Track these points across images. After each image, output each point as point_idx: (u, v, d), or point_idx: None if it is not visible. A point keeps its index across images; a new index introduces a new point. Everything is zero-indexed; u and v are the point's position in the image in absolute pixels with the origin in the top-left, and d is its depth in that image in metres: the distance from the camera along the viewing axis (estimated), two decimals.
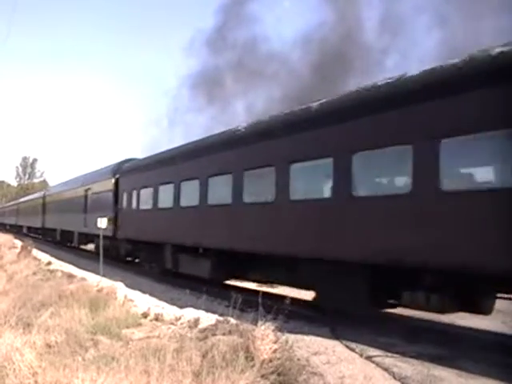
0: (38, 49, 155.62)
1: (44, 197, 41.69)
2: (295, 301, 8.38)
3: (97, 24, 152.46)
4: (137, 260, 21.61)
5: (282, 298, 8.70)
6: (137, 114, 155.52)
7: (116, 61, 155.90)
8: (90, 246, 28.12)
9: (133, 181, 20.28)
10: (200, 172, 14.53)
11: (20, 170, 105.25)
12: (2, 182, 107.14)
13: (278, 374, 6.22)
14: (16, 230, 56.57)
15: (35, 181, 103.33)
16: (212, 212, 13.77)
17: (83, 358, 6.93)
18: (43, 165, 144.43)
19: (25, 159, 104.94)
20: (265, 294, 9.35)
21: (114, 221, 21.18)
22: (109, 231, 20.79)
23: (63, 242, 34.69)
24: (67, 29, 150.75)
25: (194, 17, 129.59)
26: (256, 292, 11.68)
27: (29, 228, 51.58)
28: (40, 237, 43.90)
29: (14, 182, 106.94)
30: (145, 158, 20.82)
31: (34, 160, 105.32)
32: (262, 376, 6.17)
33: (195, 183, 14.65)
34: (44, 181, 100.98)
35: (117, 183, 22.04)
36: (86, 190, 26.74)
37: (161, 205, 17.40)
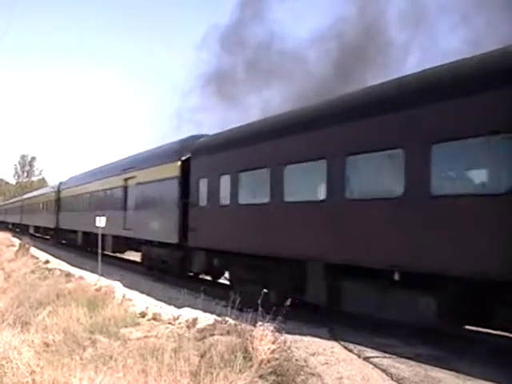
0: (37, 46, 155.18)
1: (58, 191, 34.00)
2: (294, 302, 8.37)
3: (97, 19, 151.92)
4: (212, 278, 15.82)
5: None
6: (139, 111, 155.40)
7: (118, 57, 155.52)
8: (127, 255, 23.76)
9: (222, 161, 13.24)
10: (409, 135, 8.00)
11: (18, 168, 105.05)
12: (1, 180, 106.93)
13: (276, 375, 6.24)
14: (20, 230, 50.39)
15: (33, 179, 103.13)
16: (445, 209, 7.43)
17: (81, 357, 6.95)
18: (42, 163, 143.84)
19: (23, 157, 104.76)
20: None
21: (179, 221, 14.90)
22: (170, 236, 15.30)
23: (87, 248, 26.51)
24: (66, 24, 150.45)
25: (205, 13, 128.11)
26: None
27: (36, 228, 44.10)
28: (52, 239, 37.16)
29: (12, 180, 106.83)
30: (250, 124, 13.21)
31: (33, 158, 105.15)
32: (260, 376, 6.19)
33: (394, 157, 8.33)
34: (43, 179, 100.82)
35: (185, 167, 15.12)
36: (126, 180, 20.23)
37: (292, 197, 10.54)
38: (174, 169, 15.74)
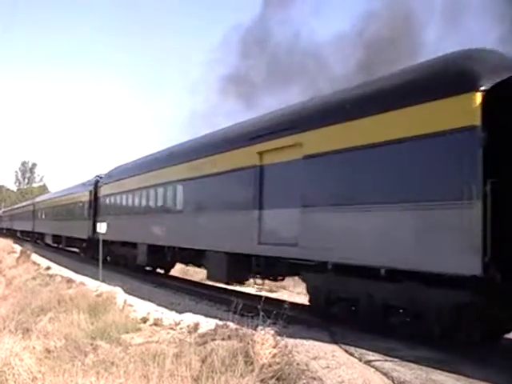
0: (39, 48, 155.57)
1: (95, 188, 25.22)
2: (295, 305, 8.40)
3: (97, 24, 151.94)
4: None
5: (282, 302, 8.71)
6: (144, 116, 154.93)
7: (121, 62, 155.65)
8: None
9: None
10: None
11: (19, 174, 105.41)
12: (2, 186, 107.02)
13: (278, 379, 6.23)
14: (32, 240, 43.50)
15: (34, 185, 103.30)
16: None
17: (83, 363, 6.95)
18: (43, 169, 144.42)
19: (24, 164, 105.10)
20: (265, 298, 9.34)
21: (484, 227, 6.71)
22: (456, 260, 7.17)
23: (153, 268, 19.57)
24: (68, 29, 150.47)
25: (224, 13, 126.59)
26: (256, 297, 11.69)
27: (56, 237, 35.28)
28: (84, 254, 27.72)
29: (13, 187, 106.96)
30: None
31: (34, 165, 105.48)
32: (262, 381, 6.19)
33: None
34: (44, 185, 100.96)
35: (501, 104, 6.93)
36: (262, 155, 11.64)
37: None
38: (458, 112, 7.33)
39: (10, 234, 56.92)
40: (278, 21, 71.07)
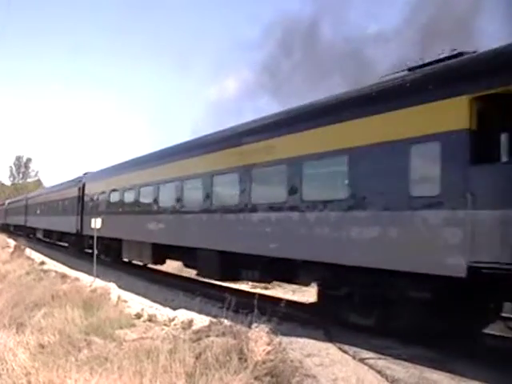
0: (35, 46, 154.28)
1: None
2: (289, 303, 8.40)
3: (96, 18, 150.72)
4: None
5: (276, 299, 8.74)
6: (139, 114, 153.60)
7: (122, 60, 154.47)
8: None
9: None
10: None
11: (14, 169, 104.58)
12: None
13: (272, 376, 6.24)
14: (77, 246, 26.40)
15: (29, 180, 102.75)
16: None
17: (76, 359, 6.92)
18: (37, 164, 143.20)
19: (19, 159, 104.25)
20: (259, 295, 9.35)
21: None
22: None
23: None
24: (66, 24, 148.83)
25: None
26: (250, 294, 11.71)
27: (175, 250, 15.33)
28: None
29: (7, 182, 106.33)
30: None
31: (28, 159, 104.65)
32: (256, 378, 6.19)
33: None
34: (38, 180, 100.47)
35: None
36: None
37: None
38: None
39: (25, 234, 40.66)
40: (325, 14, 69.06)
